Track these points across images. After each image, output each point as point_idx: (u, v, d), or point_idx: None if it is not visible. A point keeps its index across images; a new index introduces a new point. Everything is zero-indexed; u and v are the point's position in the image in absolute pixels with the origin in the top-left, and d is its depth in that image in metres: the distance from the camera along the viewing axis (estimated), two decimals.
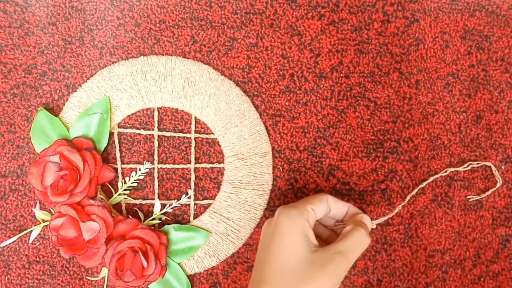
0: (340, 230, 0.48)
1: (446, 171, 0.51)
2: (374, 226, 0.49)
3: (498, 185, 0.52)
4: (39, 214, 0.50)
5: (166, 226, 0.51)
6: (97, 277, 0.51)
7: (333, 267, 0.41)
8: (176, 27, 0.52)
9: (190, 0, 0.52)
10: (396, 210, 0.50)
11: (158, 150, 0.52)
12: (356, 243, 0.43)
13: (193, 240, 0.51)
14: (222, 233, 0.51)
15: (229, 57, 0.52)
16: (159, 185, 0.52)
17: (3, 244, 0.51)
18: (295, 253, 0.41)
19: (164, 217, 0.51)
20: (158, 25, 0.52)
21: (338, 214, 0.47)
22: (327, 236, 0.48)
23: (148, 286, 0.50)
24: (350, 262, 0.42)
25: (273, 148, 0.52)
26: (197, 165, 0.52)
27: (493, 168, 0.51)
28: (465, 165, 0.51)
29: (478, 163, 0.51)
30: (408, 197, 0.51)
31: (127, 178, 0.51)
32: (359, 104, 0.52)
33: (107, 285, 0.51)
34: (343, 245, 0.42)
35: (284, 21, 0.52)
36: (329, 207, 0.46)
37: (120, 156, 0.52)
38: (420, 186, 0.51)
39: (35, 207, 0.51)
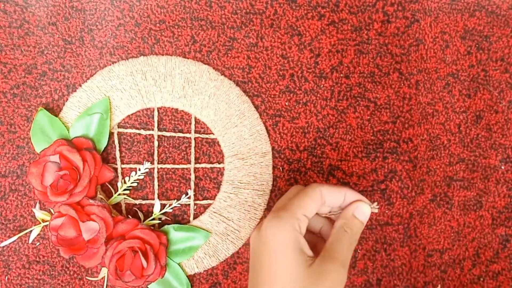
0: (336, 216, 0.44)
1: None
2: (377, 211, 0.44)
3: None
4: (39, 214, 0.50)
5: (166, 226, 0.51)
6: (97, 277, 0.51)
7: (332, 277, 0.38)
8: (176, 27, 0.52)
9: (190, 0, 0.52)
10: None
11: (158, 150, 0.52)
12: (349, 246, 0.40)
13: (193, 240, 0.51)
14: (222, 233, 0.51)
15: (229, 57, 0.52)
16: (159, 185, 0.52)
17: (3, 244, 0.51)
18: (289, 272, 0.38)
19: (164, 217, 0.51)
20: (158, 25, 0.52)
21: (335, 203, 0.43)
22: (320, 227, 0.45)
23: (148, 286, 0.50)
24: (347, 265, 0.40)
25: (273, 148, 0.52)
26: (197, 165, 0.52)
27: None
28: None
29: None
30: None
31: (127, 178, 0.51)
32: (359, 104, 0.52)
33: (107, 285, 0.51)
34: (337, 252, 0.40)
35: (284, 21, 0.52)
36: (323, 200, 0.42)
37: (120, 156, 0.52)
38: None
39: (35, 207, 0.51)
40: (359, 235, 0.42)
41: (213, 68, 0.52)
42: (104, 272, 0.50)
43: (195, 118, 0.52)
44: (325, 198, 0.42)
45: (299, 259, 0.38)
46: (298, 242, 0.39)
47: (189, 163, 0.52)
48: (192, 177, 0.52)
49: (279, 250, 0.38)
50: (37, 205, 0.51)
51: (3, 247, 0.51)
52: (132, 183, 0.51)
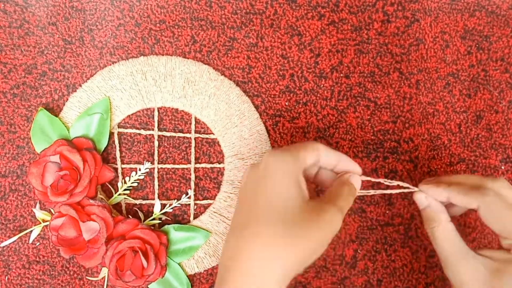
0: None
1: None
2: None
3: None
4: (39, 214, 0.50)
5: (166, 226, 0.51)
6: (97, 277, 0.51)
7: (329, 218, 0.37)
8: (176, 27, 0.52)
9: (190, 0, 0.52)
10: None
11: (158, 150, 0.52)
12: (348, 197, 0.40)
13: (193, 240, 0.51)
14: (222, 233, 0.51)
15: (229, 57, 0.52)
16: (159, 185, 0.52)
17: (3, 244, 0.51)
18: (288, 198, 0.37)
19: (164, 217, 0.51)
20: (158, 25, 0.52)
21: (327, 165, 0.42)
22: (315, 171, 0.44)
23: (148, 286, 0.50)
24: (343, 216, 0.38)
25: (273, 148, 0.52)
26: (197, 165, 0.52)
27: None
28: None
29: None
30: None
31: (127, 178, 0.51)
32: (359, 104, 0.52)
33: (107, 285, 0.51)
34: (337, 198, 0.39)
35: (284, 21, 0.52)
36: (319, 156, 0.41)
37: (120, 156, 0.52)
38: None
39: (35, 207, 0.51)
40: (352, 200, 0.41)
41: (213, 68, 0.52)
42: (104, 272, 0.50)
43: (195, 118, 0.52)
44: (321, 154, 0.41)
45: (297, 190, 0.37)
46: (298, 175, 0.38)
47: (189, 163, 0.52)
48: (192, 177, 0.52)
49: (280, 177, 0.38)
50: (37, 205, 0.51)
51: (3, 247, 0.51)
52: (132, 183, 0.51)
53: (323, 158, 0.41)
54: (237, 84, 0.52)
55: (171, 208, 0.52)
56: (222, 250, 0.41)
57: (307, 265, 0.37)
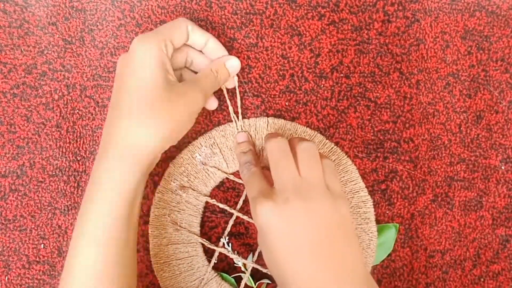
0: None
1: None
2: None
3: None
4: None
5: None
6: None
7: (190, 96, 0.42)
8: None
9: (190, 0, 0.52)
10: None
11: None
12: (212, 84, 0.45)
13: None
14: None
15: None
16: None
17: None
18: (153, 80, 0.41)
19: None
20: (159, 25, 0.52)
21: (197, 43, 0.46)
22: (191, 60, 0.49)
23: None
24: (206, 95, 0.44)
25: None
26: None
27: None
28: None
29: None
30: None
31: None
32: (359, 104, 0.52)
33: None
34: (201, 82, 0.44)
35: (284, 21, 0.52)
36: (187, 35, 0.45)
37: None
38: None
39: (34, 207, 0.51)
40: (222, 84, 0.48)
41: None
42: None
43: None
44: (190, 33, 0.45)
45: (162, 74, 0.41)
46: (163, 61, 0.42)
47: None
48: None
49: (144, 63, 0.41)
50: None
51: (3, 247, 0.51)
52: None
53: (193, 36, 0.45)
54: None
55: None
56: (104, 125, 0.44)
57: (173, 142, 0.43)
